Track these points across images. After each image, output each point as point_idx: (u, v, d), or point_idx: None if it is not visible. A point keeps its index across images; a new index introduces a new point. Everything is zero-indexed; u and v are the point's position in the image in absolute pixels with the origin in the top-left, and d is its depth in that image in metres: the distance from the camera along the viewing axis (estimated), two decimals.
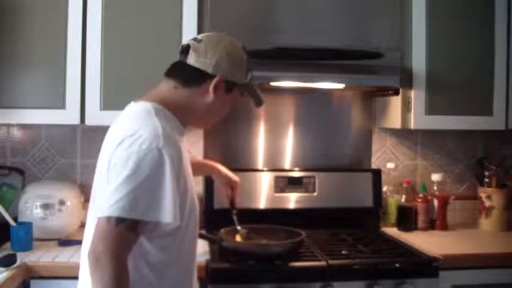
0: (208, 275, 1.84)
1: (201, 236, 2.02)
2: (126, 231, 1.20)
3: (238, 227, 2.03)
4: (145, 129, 1.26)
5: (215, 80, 1.39)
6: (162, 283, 1.33)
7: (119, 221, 1.19)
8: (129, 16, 2.11)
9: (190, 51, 1.40)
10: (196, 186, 2.45)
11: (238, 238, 2.03)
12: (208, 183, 2.34)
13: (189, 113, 1.42)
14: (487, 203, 2.50)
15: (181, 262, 1.39)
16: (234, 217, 2.03)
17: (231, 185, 2.02)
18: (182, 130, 1.42)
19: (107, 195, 1.22)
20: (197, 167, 2.04)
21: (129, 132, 1.27)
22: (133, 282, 1.28)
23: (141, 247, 1.30)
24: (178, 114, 1.40)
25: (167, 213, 1.23)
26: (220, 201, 2.25)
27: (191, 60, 1.40)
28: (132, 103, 1.41)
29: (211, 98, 1.41)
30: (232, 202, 2.03)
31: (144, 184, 1.21)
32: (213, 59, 1.39)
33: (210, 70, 1.39)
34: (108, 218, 1.19)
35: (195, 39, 1.44)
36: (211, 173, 2.07)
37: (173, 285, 1.36)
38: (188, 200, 1.35)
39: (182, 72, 1.42)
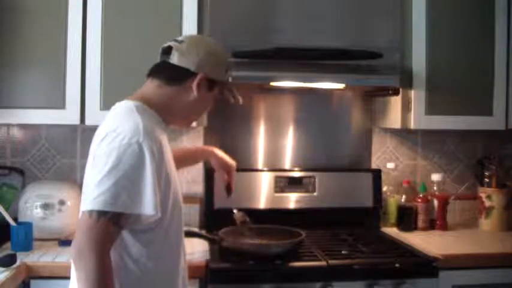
0: (208, 275, 1.84)
1: (201, 236, 2.03)
2: (108, 224, 1.22)
3: (235, 210, 2.03)
4: (126, 125, 1.31)
5: (198, 77, 1.44)
6: (146, 277, 1.36)
7: (101, 214, 1.22)
8: (129, 16, 2.11)
9: (173, 51, 1.45)
10: (196, 186, 2.48)
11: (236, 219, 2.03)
12: (208, 184, 2.34)
13: (171, 110, 1.47)
14: (487, 203, 2.50)
15: (166, 257, 1.41)
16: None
17: (226, 169, 2.00)
18: (164, 127, 1.46)
19: (90, 189, 1.26)
20: (192, 154, 2.07)
21: (111, 129, 1.31)
22: (119, 276, 1.32)
23: (124, 241, 1.33)
24: (161, 112, 1.44)
25: (148, 205, 1.26)
26: (221, 201, 2.25)
27: (174, 59, 1.45)
28: (117, 103, 1.45)
29: (194, 95, 1.45)
30: (228, 186, 2.01)
31: (125, 178, 1.24)
32: (196, 58, 1.44)
33: (193, 68, 1.44)
34: (90, 212, 1.23)
35: (175, 40, 1.49)
36: (207, 157, 2.06)
37: (158, 279, 1.38)
38: (171, 194, 1.38)
39: (166, 71, 1.46)
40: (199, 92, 1.45)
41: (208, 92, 1.49)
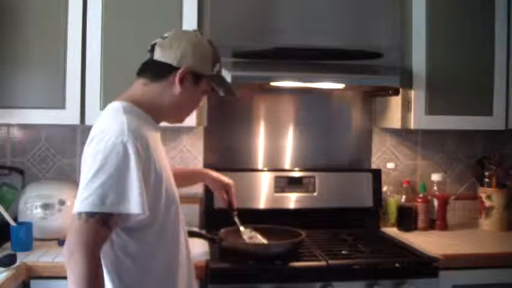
0: (208, 275, 1.84)
1: (201, 236, 2.03)
2: (97, 225, 1.23)
3: (241, 228, 2.02)
4: (111, 127, 1.32)
5: (180, 71, 1.43)
6: (143, 274, 1.36)
7: (89, 215, 1.23)
8: (129, 16, 2.11)
9: (156, 47, 1.45)
10: (196, 186, 2.48)
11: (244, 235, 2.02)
12: None
13: (159, 107, 1.46)
14: (487, 203, 2.50)
15: (164, 255, 1.41)
16: (236, 219, 2.02)
17: (225, 188, 2.02)
18: (155, 125, 1.46)
19: (79, 191, 1.27)
20: (188, 176, 2.07)
21: (99, 130, 1.33)
22: (117, 274, 1.33)
23: (120, 240, 1.34)
24: (149, 110, 1.44)
25: (135, 205, 1.26)
26: (220, 201, 2.25)
27: (157, 55, 1.44)
28: (108, 105, 1.45)
29: (178, 90, 1.44)
30: (230, 205, 2.02)
31: (111, 178, 1.25)
32: (178, 52, 1.43)
33: (175, 63, 1.43)
34: (79, 214, 1.24)
35: (161, 36, 1.48)
36: (204, 180, 2.08)
37: (155, 277, 1.39)
38: (163, 192, 1.38)
39: (150, 69, 1.46)
40: (184, 86, 1.43)
41: (194, 87, 1.47)
